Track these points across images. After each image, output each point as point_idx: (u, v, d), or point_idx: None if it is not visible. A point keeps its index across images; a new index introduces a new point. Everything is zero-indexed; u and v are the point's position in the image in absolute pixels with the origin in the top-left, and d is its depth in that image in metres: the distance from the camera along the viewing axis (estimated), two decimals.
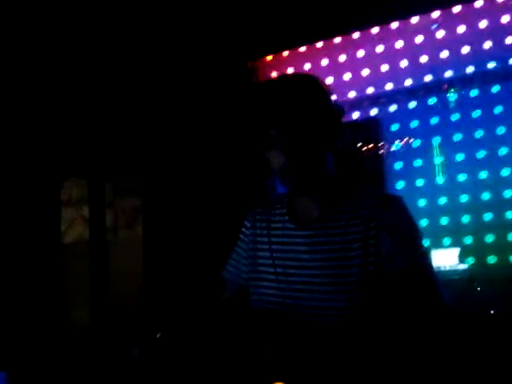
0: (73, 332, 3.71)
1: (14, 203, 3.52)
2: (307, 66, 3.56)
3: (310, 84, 1.69)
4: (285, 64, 3.56)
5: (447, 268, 3.18)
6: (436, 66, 3.35)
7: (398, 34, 3.40)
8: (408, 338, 1.57)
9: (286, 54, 3.56)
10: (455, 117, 3.31)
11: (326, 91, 1.69)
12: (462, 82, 3.30)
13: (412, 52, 3.38)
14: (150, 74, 3.77)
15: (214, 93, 3.60)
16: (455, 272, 3.16)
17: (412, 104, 3.39)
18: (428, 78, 3.36)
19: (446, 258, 3.18)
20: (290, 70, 3.50)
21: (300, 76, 1.73)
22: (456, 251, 3.22)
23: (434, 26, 3.31)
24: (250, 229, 1.86)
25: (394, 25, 3.39)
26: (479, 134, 3.26)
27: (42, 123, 3.59)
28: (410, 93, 3.40)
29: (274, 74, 3.55)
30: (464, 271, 3.16)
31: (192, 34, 3.60)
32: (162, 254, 3.78)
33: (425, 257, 1.61)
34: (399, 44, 3.39)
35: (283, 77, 1.76)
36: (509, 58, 3.23)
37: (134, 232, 4.17)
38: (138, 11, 3.53)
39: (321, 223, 1.68)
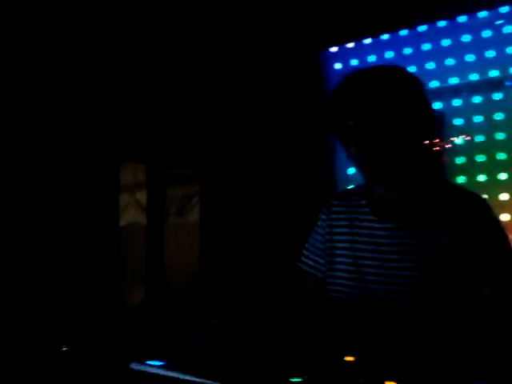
0: (128, 314, 3.76)
1: (73, 188, 3.58)
2: (371, 59, 3.55)
3: (395, 76, 1.68)
4: (350, 55, 3.55)
5: None
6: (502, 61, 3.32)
7: (465, 27, 3.37)
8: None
9: (350, 45, 3.56)
10: None
11: (413, 84, 1.68)
12: None
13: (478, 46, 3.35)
14: (212, 61, 3.80)
15: (279, 82, 3.60)
16: None
17: (476, 99, 3.37)
18: (494, 73, 3.33)
19: None
20: (355, 62, 3.51)
21: (384, 68, 1.74)
22: None
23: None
24: (327, 221, 1.87)
25: (462, 19, 3.36)
26: None
27: (99, 108, 3.64)
28: (475, 87, 3.38)
29: (339, 65, 3.56)
30: None
31: (255, 21, 3.63)
32: (219, 242, 3.79)
33: None
34: (466, 38, 3.37)
35: (367, 69, 1.77)
36: None
37: (184, 219, 4.19)
38: None
39: (402, 216, 1.67)
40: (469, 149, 3.37)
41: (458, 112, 3.39)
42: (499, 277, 1.58)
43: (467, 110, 3.36)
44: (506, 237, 1.62)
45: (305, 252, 1.93)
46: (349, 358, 1.43)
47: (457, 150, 3.39)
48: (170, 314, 3.67)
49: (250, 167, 3.72)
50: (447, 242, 1.59)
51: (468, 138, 3.30)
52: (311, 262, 1.90)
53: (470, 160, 3.35)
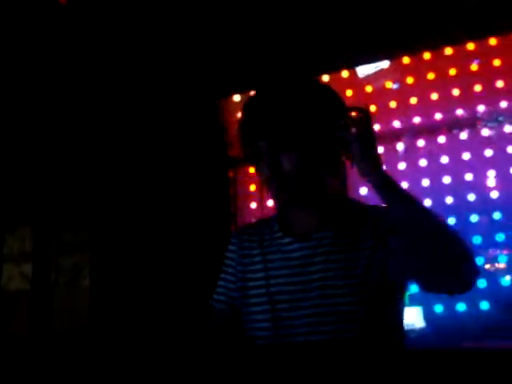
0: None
1: None
2: None
3: (313, 91, 1.55)
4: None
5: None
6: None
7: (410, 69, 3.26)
8: None
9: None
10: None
11: (334, 101, 1.55)
12: None
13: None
14: (106, 115, 3.57)
15: (178, 131, 3.42)
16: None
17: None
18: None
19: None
20: None
21: (301, 82, 1.59)
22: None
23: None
24: (238, 251, 1.69)
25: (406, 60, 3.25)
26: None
27: None
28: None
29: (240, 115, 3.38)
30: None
31: (153, 68, 3.44)
32: (111, 304, 3.48)
33: None
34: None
35: (281, 83, 1.60)
36: None
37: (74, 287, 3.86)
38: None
39: (324, 233, 1.55)
40: None
41: None
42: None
43: None
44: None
45: (217, 289, 1.74)
46: None
47: None
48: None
49: (145, 223, 3.44)
50: (371, 245, 1.51)
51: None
52: (224, 298, 1.71)
53: None
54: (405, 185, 3.03)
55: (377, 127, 3.08)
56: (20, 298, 3.74)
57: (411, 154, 3.15)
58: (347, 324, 1.45)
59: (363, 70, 3.31)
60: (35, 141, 3.56)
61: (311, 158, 1.50)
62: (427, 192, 3.09)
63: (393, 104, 3.24)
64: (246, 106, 1.58)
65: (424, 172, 3.15)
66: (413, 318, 3.00)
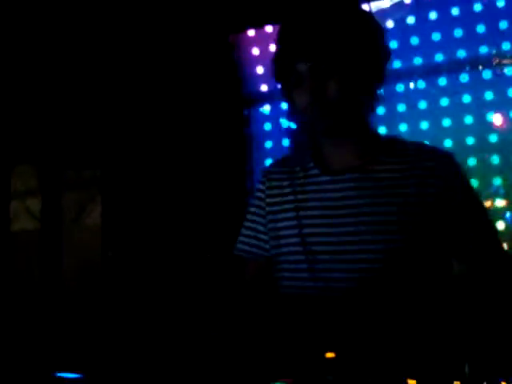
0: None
1: None
2: None
3: (352, 16, 1.45)
4: (269, 40, 3.26)
5: None
6: None
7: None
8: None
9: (269, 29, 3.26)
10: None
11: (372, 28, 1.47)
12: None
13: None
14: (115, 50, 3.44)
15: (190, 71, 3.30)
16: None
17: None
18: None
19: None
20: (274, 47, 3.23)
21: (342, 6, 1.47)
22: None
23: None
24: (267, 190, 1.59)
25: None
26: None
27: None
28: None
29: (256, 51, 3.28)
30: None
31: (164, 5, 3.29)
32: (123, 244, 3.44)
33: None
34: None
35: (318, 8, 1.48)
36: None
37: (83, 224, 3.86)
38: None
39: (363, 173, 1.46)
40: None
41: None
42: (476, 253, 1.40)
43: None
44: (484, 207, 1.49)
45: (241, 237, 1.64)
46: (330, 355, 1.15)
47: None
48: (69, 318, 3.25)
49: (158, 162, 3.37)
50: (414, 193, 1.40)
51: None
52: (254, 241, 1.60)
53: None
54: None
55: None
56: (27, 237, 3.73)
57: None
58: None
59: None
60: (44, 79, 3.47)
61: (355, 84, 1.42)
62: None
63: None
64: (286, 27, 1.48)
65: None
66: None
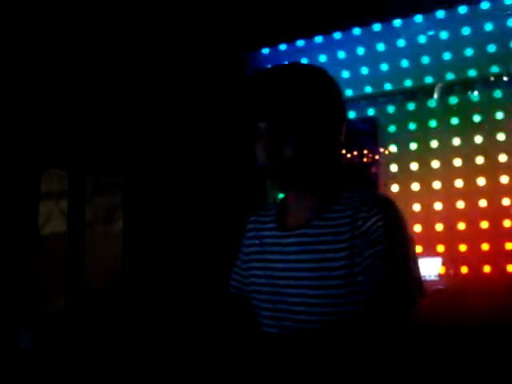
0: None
1: None
2: (304, 61, 3.41)
3: (310, 75, 1.52)
4: (282, 58, 3.39)
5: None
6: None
7: (400, 32, 3.27)
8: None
9: (283, 47, 3.40)
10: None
11: (330, 85, 1.54)
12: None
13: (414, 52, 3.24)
14: (136, 66, 3.61)
15: (205, 85, 3.45)
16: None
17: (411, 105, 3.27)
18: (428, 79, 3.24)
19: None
20: None
21: (299, 66, 1.59)
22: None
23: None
24: (245, 238, 1.74)
25: (397, 22, 3.26)
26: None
27: (19, 113, 3.40)
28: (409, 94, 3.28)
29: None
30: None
31: (179, 21, 3.46)
32: (142, 251, 3.59)
33: (408, 269, 1.39)
34: (401, 43, 3.27)
35: (280, 66, 1.59)
36: None
37: (107, 228, 3.96)
38: None
39: (307, 229, 1.52)
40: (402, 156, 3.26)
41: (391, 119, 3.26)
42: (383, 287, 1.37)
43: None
44: (405, 246, 1.42)
45: (232, 273, 1.78)
46: None
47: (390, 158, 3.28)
48: (92, 321, 3.42)
49: (176, 173, 3.52)
50: (347, 237, 1.45)
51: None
52: (237, 284, 1.75)
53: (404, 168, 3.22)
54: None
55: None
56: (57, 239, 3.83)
57: None
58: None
59: None
60: (76, 93, 3.60)
61: (311, 144, 1.47)
62: None
63: None
64: (248, 84, 1.54)
65: None
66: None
